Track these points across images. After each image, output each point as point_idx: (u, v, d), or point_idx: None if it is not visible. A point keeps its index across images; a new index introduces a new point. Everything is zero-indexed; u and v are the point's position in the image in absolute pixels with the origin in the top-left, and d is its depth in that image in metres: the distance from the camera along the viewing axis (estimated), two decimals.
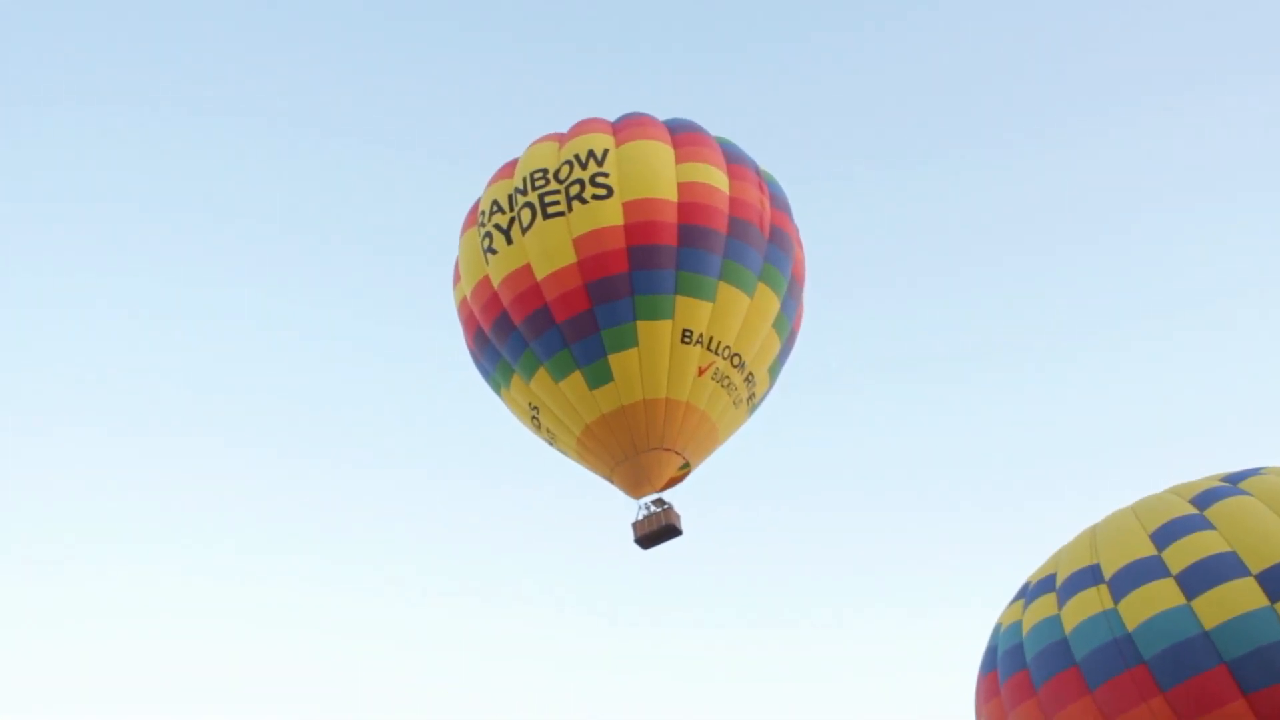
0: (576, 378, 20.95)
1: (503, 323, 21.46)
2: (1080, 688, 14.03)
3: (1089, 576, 14.90)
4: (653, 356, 20.75)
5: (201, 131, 52.46)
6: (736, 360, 21.33)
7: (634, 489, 21.44)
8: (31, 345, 48.95)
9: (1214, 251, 47.96)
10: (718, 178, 21.61)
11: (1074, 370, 48.03)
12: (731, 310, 21.12)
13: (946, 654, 40.51)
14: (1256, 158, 48.85)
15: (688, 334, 20.82)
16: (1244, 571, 13.66)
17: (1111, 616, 14.16)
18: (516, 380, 21.76)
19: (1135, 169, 50.78)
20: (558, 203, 21.06)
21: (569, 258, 20.79)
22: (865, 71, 56.15)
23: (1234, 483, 15.18)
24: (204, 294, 50.78)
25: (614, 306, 20.67)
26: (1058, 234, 51.15)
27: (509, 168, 22.43)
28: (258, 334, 51.03)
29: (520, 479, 45.65)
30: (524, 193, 21.47)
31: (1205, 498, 14.94)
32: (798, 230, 22.91)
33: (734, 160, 22.19)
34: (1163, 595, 13.89)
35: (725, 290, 21.04)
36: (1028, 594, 15.93)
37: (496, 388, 22.64)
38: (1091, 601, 14.51)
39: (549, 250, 20.90)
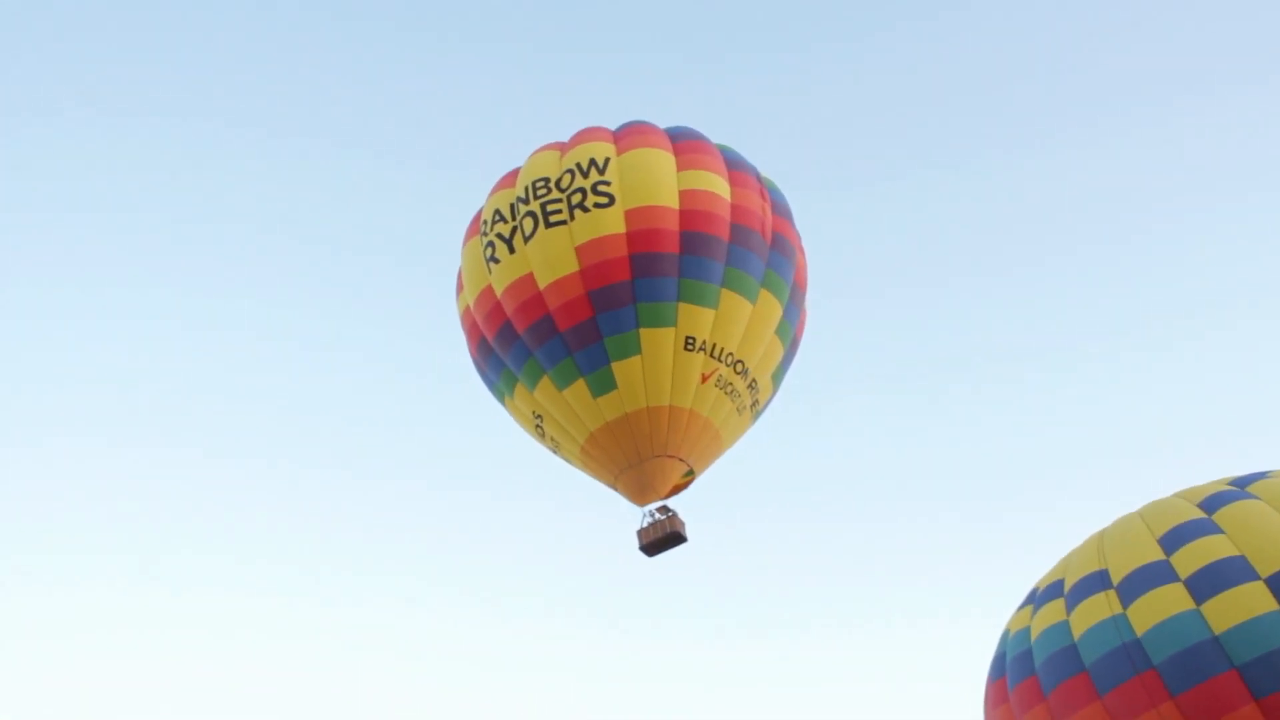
0: (580, 386, 20.94)
1: (506, 332, 21.46)
2: (1090, 693, 13.98)
3: (1097, 582, 14.84)
4: (656, 364, 20.75)
5: (204, 139, 52.71)
6: (740, 367, 21.33)
7: (638, 496, 21.42)
8: (36, 352, 49.06)
9: (1218, 255, 48.03)
10: (719, 185, 21.64)
11: (1079, 375, 48.08)
12: (734, 317, 21.12)
13: (954, 661, 40.45)
14: (1264, 160, 48.89)
15: (690, 341, 20.81)
16: (1253, 575, 13.61)
17: (1120, 622, 14.11)
18: (520, 389, 21.76)
19: (1140, 174, 50.93)
20: (560, 211, 21.08)
21: (571, 266, 20.80)
22: (866, 78, 56.31)
23: (1242, 486, 15.13)
24: (206, 303, 50.89)
25: (617, 314, 20.68)
26: (1061, 239, 51.32)
27: (511, 177, 22.46)
28: (261, 344, 51.17)
29: (525, 487, 45.71)
30: (526, 202, 21.49)
31: (1213, 501, 14.88)
32: (799, 236, 22.92)
33: (735, 167, 22.21)
34: (1172, 600, 13.84)
35: (728, 297, 21.04)
36: (1036, 599, 15.87)
37: (500, 397, 22.64)
38: (1100, 607, 14.45)
39: (551, 259, 20.91)
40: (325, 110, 55.43)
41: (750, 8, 55.59)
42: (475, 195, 23.36)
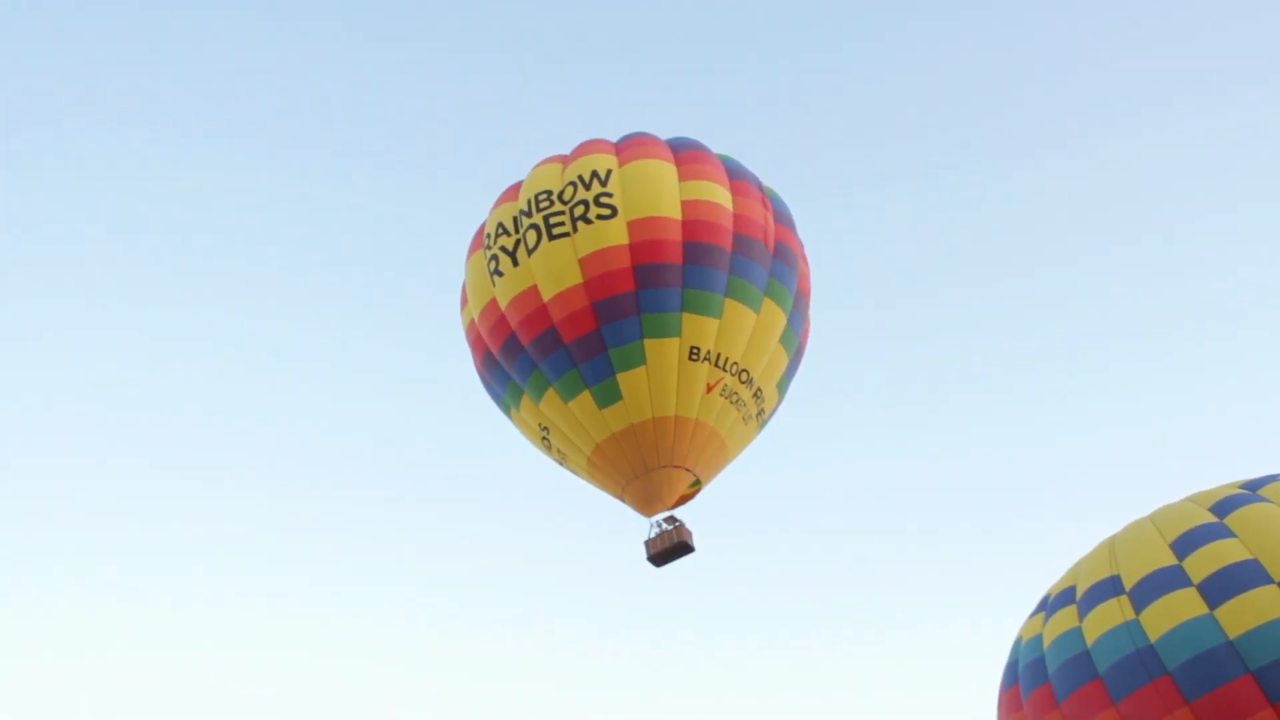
0: (585, 397, 20.95)
1: (511, 344, 21.47)
2: (1104, 700, 13.91)
3: (1109, 588, 14.77)
4: (661, 374, 20.76)
5: (206, 153, 52.76)
6: (744, 376, 21.33)
7: (645, 507, 21.41)
8: (43, 361, 49.07)
9: (1226, 259, 47.94)
10: (721, 195, 21.66)
11: (1086, 381, 47.90)
12: (738, 326, 21.12)
13: (965, 670, 40.35)
14: (1275, 162, 48.78)
15: (695, 351, 20.81)
16: (1266, 579, 13.55)
17: (1133, 628, 14.03)
18: (526, 401, 21.76)
19: (1148, 177, 50.82)
20: (563, 224, 21.11)
21: (575, 278, 20.82)
22: (868, 85, 56.28)
23: (1253, 489, 15.06)
24: (210, 316, 50.92)
25: (621, 325, 20.69)
26: (1066, 245, 51.21)
27: (513, 190, 22.49)
28: (268, 359, 51.19)
29: (532, 499, 45.67)
30: (529, 215, 21.51)
31: (1224, 505, 14.81)
32: (802, 245, 22.93)
33: (737, 177, 22.24)
34: (1185, 605, 13.77)
35: (731, 307, 21.05)
36: (1048, 606, 15.79)
37: (506, 409, 22.64)
38: (1113, 613, 14.37)
39: (555, 271, 20.93)
40: (328, 123, 55.65)
41: (751, 16, 55.72)
42: (478, 209, 23.42)
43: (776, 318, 21.69)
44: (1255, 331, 45.83)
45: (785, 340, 21.96)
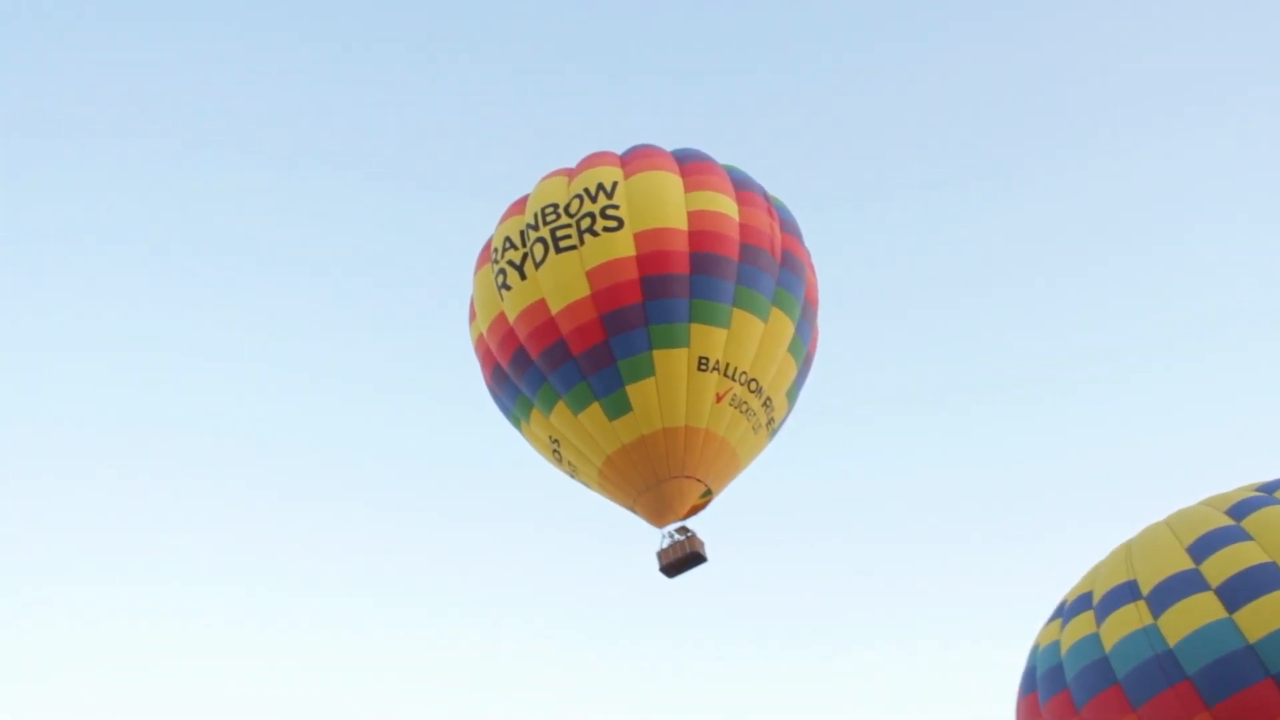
0: (595, 409, 20.96)
1: (520, 358, 21.50)
2: (1123, 706, 13.82)
3: (1126, 593, 14.69)
4: (670, 385, 20.76)
5: (214, 166, 52.98)
6: (754, 385, 21.32)
7: (657, 518, 21.40)
8: (54, 374, 49.22)
9: (1241, 264, 47.75)
10: (727, 205, 21.70)
11: (1098, 389, 47.84)
12: (746, 336, 21.13)
13: (982, 678, 40.13)
14: None
15: (704, 361, 20.82)
16: None
17: (1152, 633, 13.95)
18: (536, 414, 21.77)
19: (1162, 184, 50.56)
20: (569, 236, 21.15)
21: (583, 290, 20.85)
22: (875, 93, 56.26)
23: (1269, 491, 15.00)
24: (218, 333, 51.02)
25: (629, 337, 20.71)
26: (1078, 251, 51.07)
27: (520, 204, 22.55)
28: (282, 374, 51.27)
29: (544, 512, 45.65)
30: (535, 228, 21.56)
31: (1241, 508, 14.74)
32: (809, 254, 22.95)
33: (742, 187, 22.27)
34: (1203, 609, 13.69)
35: (739, 316, 21.07)
36: (1064, 613, 15.71)
37: (516, 423, 22.66)
38: (1130, 618, 14.30)
39: (563, 284, 20.97)
40: (336, 138, 55.77)
41: (755, 26, 55.78)
42: (484, 223, 23.48)
43: (784, 327, 21.69)
44: (1270, 334, 45.75)
45: (794, 349, 21.97)
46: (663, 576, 21.72)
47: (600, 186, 21.48)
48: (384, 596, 45.62)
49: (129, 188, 52.35)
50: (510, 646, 43.93)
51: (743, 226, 21.61)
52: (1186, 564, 14.38)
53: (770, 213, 22.36)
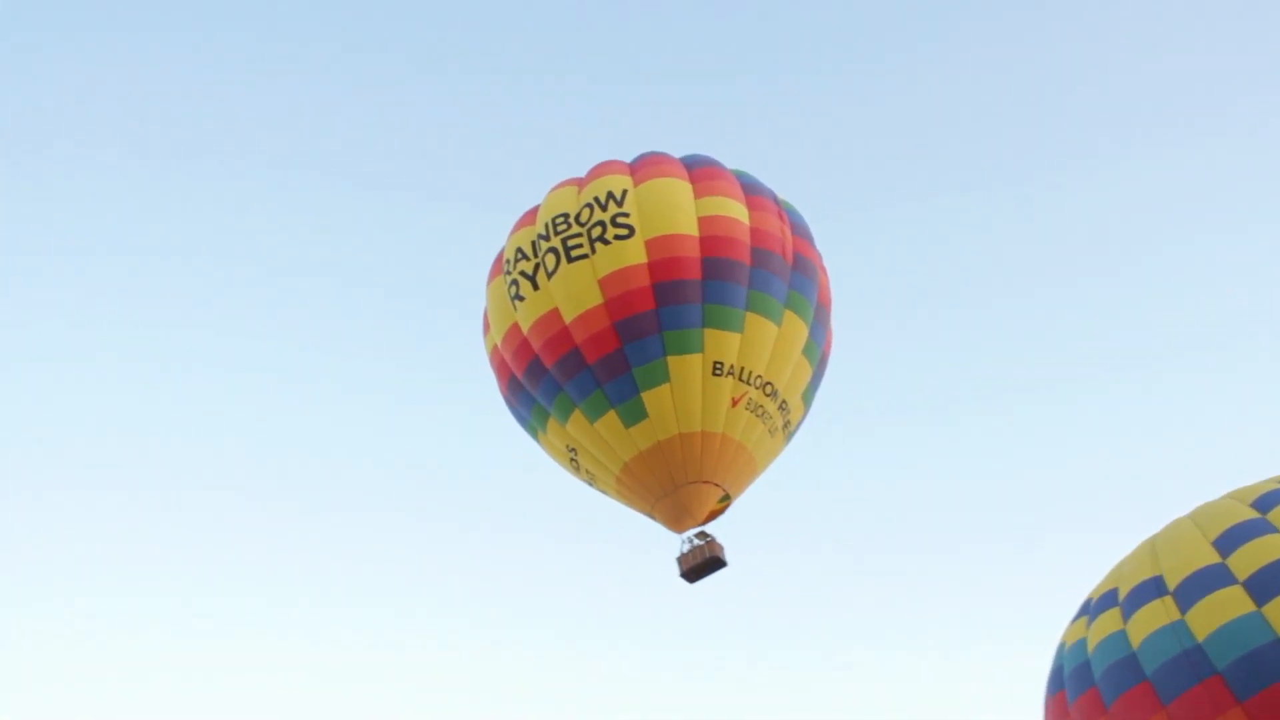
0: (611, 417, 20.97)
1: (535, 368, 21.53)
2: (1153, 703, 13.72)
3: (1153, 589, 14.59)
4: (685, 391, 20.76)
5: (224, 179, 53.18)
6: (769, 389, 21.31)
7: (676, 524, 21.39)
8: (60, 387, 49.41)
9: (1256, 266, 47.57)
10: (737, 210, 21.71)
11: (1116, 391, 47.65)
12: (760, 340, 21.13)
13: (1007, 679, 39.85)
14: None
15: (719, 366, 20.82)
16: None
17: (1180, 628, 13.85)
18: (552, 423, 21.80)
19: (1173, 191, 50.43)
20: (581, 245, 21.19)
21: (595, 299, 20.88)
22: (886, 97, 56.13)
23: None
24: (233, 344, 51.21)
25: (643, 344, 20.73)
26: (1093, 254, 50.89)
27: (530, 215, 22.60)
28: (299, 388, 51.41)
29: (563, 521, 45.68)
30: (547, 238, 21.60)
31: (1266, 501, 14.62)
32: (820, 256, 22.94)
33: (752, 191, 22.28)
34: (1231, 603, 13.57)
35: (753, 320, 21.07)
36: (1090, 610, 15.61)
37: (533, 433, 22.69)
38: (1158, 614, 14.19)
39: (575, 293, 21.00)
40: (348, 152, 55.91)
41: (765, 32, 55.77)
42: (496, 235, 23.52)
43: (798, 329, 21.68)
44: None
45: (808, 351, 21.96)
46: (683, 582, 21.72)
47: (610, 195, 21.51)
48: (406, 607, 45.75)
49: (146, 203, 52.71)
50: (534, 654, 43.97)
51: (754, 230, 21.63)
52: (1213, 558, 14.27)
53: (781, 216, 22.37)
